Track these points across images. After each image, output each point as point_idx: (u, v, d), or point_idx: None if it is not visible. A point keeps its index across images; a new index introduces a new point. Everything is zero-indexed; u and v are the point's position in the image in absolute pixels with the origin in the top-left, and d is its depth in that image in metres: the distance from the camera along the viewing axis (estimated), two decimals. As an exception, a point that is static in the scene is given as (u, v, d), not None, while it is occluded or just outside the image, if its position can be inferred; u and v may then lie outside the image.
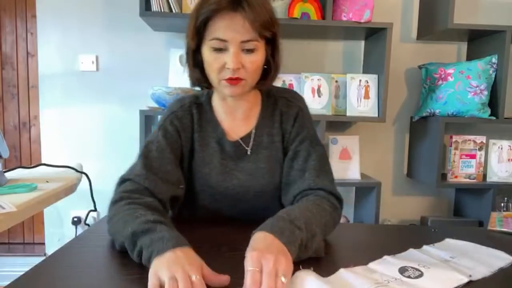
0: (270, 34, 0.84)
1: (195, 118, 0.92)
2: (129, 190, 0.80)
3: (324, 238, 0.73)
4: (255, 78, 0.85)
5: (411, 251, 0.73)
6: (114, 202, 0.78)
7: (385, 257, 0.70)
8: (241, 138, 0.92)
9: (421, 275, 0.63)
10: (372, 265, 0.67)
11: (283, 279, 0.54)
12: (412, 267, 0.65)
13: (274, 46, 0.87)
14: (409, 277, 0.62)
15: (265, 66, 0.87)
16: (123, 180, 0.85)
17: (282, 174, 0.92)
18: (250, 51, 0.81)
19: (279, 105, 0.94)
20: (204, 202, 0.94)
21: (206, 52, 0.82)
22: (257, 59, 0.82)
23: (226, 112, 0.93)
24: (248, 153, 0.92)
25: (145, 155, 0.88)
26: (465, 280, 0.61)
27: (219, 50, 0.80)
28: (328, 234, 0.77)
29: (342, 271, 0.63)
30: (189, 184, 0.93)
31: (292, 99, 0.95)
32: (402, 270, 0.65)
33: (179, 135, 0.90)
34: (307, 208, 0.74)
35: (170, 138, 0.89)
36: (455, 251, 0.74)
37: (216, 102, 0.94)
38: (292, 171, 0.89)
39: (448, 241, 0.80)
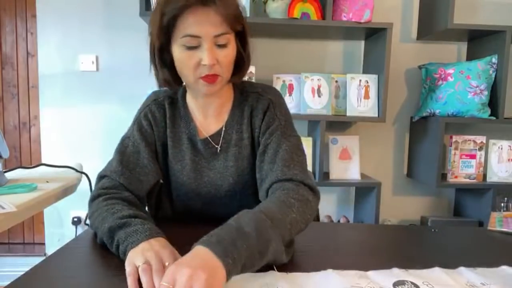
0: (241, 26, 0.81)
1: (168, 113, 0.91)
2: (106, 186, 0.82)
3: (289, 239, 0.68)
4: (229, 72, 0.83)
5: (436, 269, 0.67)
6: (93, 199, 0.81)
7: (394, 269, 0.65)
8: (211, 136, 0.90)
9: None
10: (371, 272, 0.64)
11: None
12: (412, 283, 0.61)
13: (243, 38, 0.84)
14: None
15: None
16: (101, 177, 0.86)
17: (252, 172, 0.89)
18: (223, 46, 0.78)
19: (249, 101, 0.90)
20: (179, 197, 0.93)
21: (177, 51, 0.78)
22: (229, 53, 0.80)
23: (198, 109, 0.90)
24: (218, 151, 0.90)
25: (121, 151, 0.89)
26: None
27: (192, 47, 0.76)
28: (297, 232, 0.70)
29: (329, 271, 0.62)
30: (166, 178, 0.93)
31: (263, 93, 0.91)
32: (398, 283, 0.61)
33: (152, 130, 0.90)
34: (266, 208, 0.68)
35: (145, 132, 0.89)
36: (494, 278, 0.64)
37: (190, 97, 0.92)
38: (264, 165, 0.84)
39: (504, 268, 0.69)
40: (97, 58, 2.00)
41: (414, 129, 2.10)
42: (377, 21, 1.82)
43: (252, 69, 1.82)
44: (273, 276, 0.61)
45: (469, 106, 1.82)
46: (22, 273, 0.61)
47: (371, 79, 1.89)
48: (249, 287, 0.58)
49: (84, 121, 2.03)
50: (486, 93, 1.82)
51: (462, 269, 0.67)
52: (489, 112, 1.84)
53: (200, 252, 0.55)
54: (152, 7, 1.73)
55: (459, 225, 1.99)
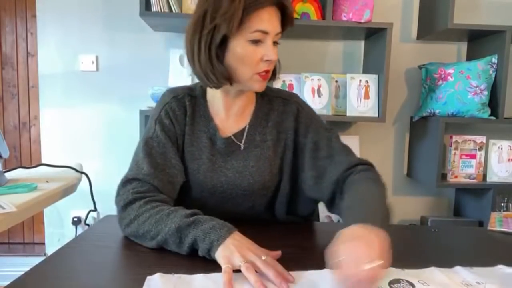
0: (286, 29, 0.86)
1: (188, 111, 0.90)
2: (141, 191, 0.80)
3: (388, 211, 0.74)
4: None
5: (432, 268, 0.67)
6: (128, 203, 0.78)
7: (390, 268, 0.64)
8: (234, 135, 0.91)
9: None
10: None
11: (367, 266, 0.53)
12: (407, 281, 0.61)
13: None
14: None
15: None
16: (129, 180, 0.83)
17: (271, 173, 0.91)
18: (276, 43, 0.83)
19: (275, 106, 0.93)
20: (192, 196, 0.93)
21: (241, 45, 0.79)
22: (277, 51, 0.85)
23: (224, 107, 0.91)
24: (241, 148, 0.91)
25: (148, 152, 0.85)
26: None
27: (256, 42, 0.80)
28: (388, 201, 0.77)
29: (325, 270, 0.62)
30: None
31: (288, 97, 0.95)
32: (393, 282, 0.61)
33: (174, 128, 0.89)
34: (364, 189, 0.76)
35: (168, 131, 0.88)
36: (490, 278, 0.64)
37: (212, 96, 0.91)
38: (318, 161, 0.88)
39: (500, 267, 0.69)
40: (97, 58, 2.00)
41: (414, 129, 2.10)
42: (377, 21, 1.82)
43: (252, 69, 1.82)
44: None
45: (469, 106, 1.82)
46: (22, 273, 0.61)
47: (371, 79, 1.89)
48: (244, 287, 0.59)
49: (84, 121, 2.03)
50: (486, 93, 1.82)
51: (458, 268, 0.67)
52: (489, 112, 1.84)
53: (357, 229, 0.61)
54: (152, 7, 1.73)
55: (459, 225, 1.99)
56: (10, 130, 2.26)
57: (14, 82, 2.23)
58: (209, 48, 0.80)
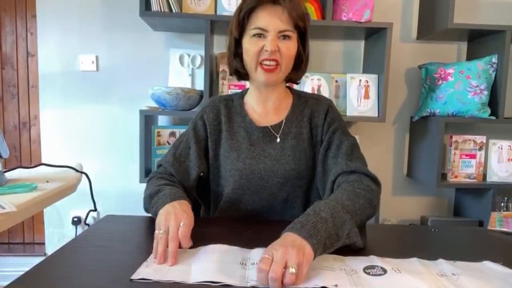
0: (303, 25, 0.94)
1: (222, 112, 1.04)
2: (159, 172, 0.99)
3: (361, 224, 0.75)
4: (289, 66, 0.96)
5: (414, 259, 0.68)
6: (147, 181, 0.97)
7: (372, 256, 0.69)
8: (271, 126, 1.01)
9: (382, 274, 0.61)
10: (348, 257, 0.68)
11: (292, 269, 0.57)
12: (381, 267, 0.63)
13: (304, 39, 0.98)
14: (368, 273, 0.61)
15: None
16: (158, 165, 1.03)
17: (307, 164, 0.99)
18: (286, 37, 0.92)
19: (309, 104, 1.04)
20: (228, 189, 1.00)
21: (247, 41, 0.94)
22: (291, 45, 0.93)
23: (259, 101, 1.03)
24: (278, 140, 1.00)
25: (176, 145, 1.03)
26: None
27: (258, 36, 0.92)
28: (367, 218, 0.78)
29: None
30: (215, 172, 1.03)
31: (322, 98, 1.06)
32: (368, 268, 0.63)
33: (205, 128, 1.03)
34: (336, 198, 0.76)
35: (198, 132, 1.03)
36: (468, 270, 0.65)
37: (249, 95, 1.05)
38: (327, 159, 0.97)
39: (485, 263, 0.69)
40: (97, 58, 2.00)
41: (414, 129, 2.10)
42: (377, 21, 1.82)
43: (252, 69, 1.82)
44: (256, 252, 0.68)
45: (469, 106, 1.82)
46: (22, 273, 0.61)
47: (371, 79, 1.89)
48: (231, 260, 0.65)
49: (84, 121, 2.03)
50: (486, 93, 1.82)
51: (440, 260, 0.69)
52: (489, 112, 1.84)
53: (288, 236, 0.64)
54: (152, 7, 1.73)
55: (459, 225, 1.99)
56: (10, 130, 2.26)
57: (14, 82, 2.23)
58: (229, 48, 0.99)
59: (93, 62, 2.00)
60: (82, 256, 0.69)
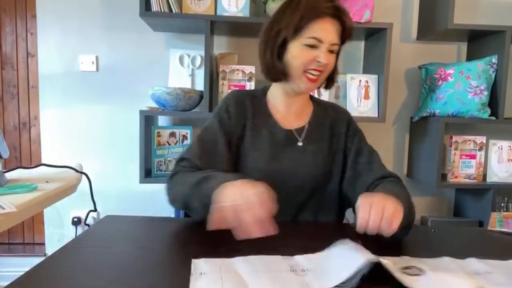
0: (348, 40, 0.98)
1: (248, 108, 1.02)
2: (185, 166, 0.93)
3: (410, 213, 0.82)
4: (326, 76, 0.99)
5: (445, 258, 0.70)
6: (172, 176, 0.92)
7: (403, 256, 0.70)
8: (295, 129, 1.03)
9: (421, 274, 0.62)
10: (383, 257, 0.66)
11: (387, 214, 0.65)
12: (416, 267, 0.64)
13: (338, 51, 1.00)
14: (407, 274, 0.62)
15: None
16: (181, 159, 0.96)
17: (325, 169, 1.02)
18: (332, 52, 0.94)
19: (329, 112, 1.08)
20: None
21: (297, 48, 0.93)
22: (334, 60, 0.97)
23: (284, 105, 1.04)
24: (300, 144, 1.01)
25: (202, 138, 0.99)
26: None
27: (311, 46, 0.92)
28: (413, 208, 0.85)
29: (346, 247, 0.66)
30: (236, 170, 1.00)
31: (340, 108, 1.11)
32: (405, 268, 0.64)
33: (230, 121, 1.00)
34: (396, 187, 0.90)
35: (224, 124, 0.99)
36: (499, 268, 0.67)
37: (273, 95, 1.05)
38: (358, 165, 1.01)
39: None
40: (97, 58, 2.00)
41: (414, 129, 2.10)
42: (377, 21, 1.82)
43: (252, 69, 1.82)
44: (299, 259, 0.68)
45: (469, 106, 1.82)
46: (22, 273, 0.61)
47: (371, 79, 1.89)
48: (279, 268, 0.64)
49: (84, 121, 2.03)
50: (486, 93, 1.82)
51: (470, 259, 0.71)
52: (489, 112, 1.84)
53: (378, 194, 0.73)
54: (152, 7, 1.73)
55: (459, 225, 1.99)
56: (10, 130, 2.26)
57: (14, 82, 2.23)
58: (272, 47, 0.96)
59: (93, 62, 2.00)
60: (82, 256, 0.69)
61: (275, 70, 0.97)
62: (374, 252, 0.69)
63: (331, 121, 1.06)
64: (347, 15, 0.93)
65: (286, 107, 1.04)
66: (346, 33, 0.95)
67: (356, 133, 1.06)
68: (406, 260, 0.68)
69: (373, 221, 0.66)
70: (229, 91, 1.83)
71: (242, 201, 0.69)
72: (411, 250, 0.72)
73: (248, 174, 0.97)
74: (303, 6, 0.91)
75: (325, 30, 0.91)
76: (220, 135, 0.98)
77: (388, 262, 0.60)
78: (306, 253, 0.68)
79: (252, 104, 1.03)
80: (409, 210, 0.78)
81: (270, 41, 0.96)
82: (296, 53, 0.93)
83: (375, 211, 0.67)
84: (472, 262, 0.69)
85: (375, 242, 0.74)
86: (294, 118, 1.04)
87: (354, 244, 0.67)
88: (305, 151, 1.01)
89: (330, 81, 1.04)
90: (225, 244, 0.75)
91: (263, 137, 1.00)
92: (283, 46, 0.95)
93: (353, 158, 1.02)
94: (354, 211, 0.93)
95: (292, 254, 0.70)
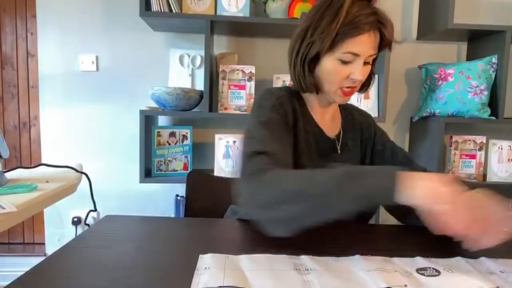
0: (387, 48, 0.91)
1: (297, 107, 0.92)
2: (272, 163, 0.72)
3: None
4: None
5: (458, 258, 0.70)
6: (259, 171, 0.69)
7: (417, 257, 0.69)
8: (335, 136, 0.99)
9: (437, 275, 0.62)
10: (395, 259, 0.67)
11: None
12: (433, 268, 0.64)
13: (377, 58, 0.94)
14: (422, 274, 0.62)
15: None
16: (256, 153, 0.74)
17: None
18: (367, 63, 0.88)
19: (356, 116, 1.05)
20: None
21: (331, 62, 0.85)
22: (369, 70, 0.91)
23: (319, 110, 0.98)
24: (338, 152, 0.98)
25: (271, 129, 0.80)
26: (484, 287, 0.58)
27: (346, 62, 0.84)
28: None
29: (356, 256, 0.65)
30: None
31: (363, 111, 1.09)
32: (421, 269, 0.64)
33: (288, 119, 0.87)
34: None
35: (285, 117, 0.86)
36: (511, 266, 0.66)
37: (310, 100, 0.97)
38: (396, 164, 0.99)
39: None
40: (97, 58, 2.01)
41: (414, 129, 2.10)
42: (377, 21, 1.82)
43: (252, 69, 1.82)
44: (305, 259, 0.67)
45: (469, 106, 1.82)
46: (22, 273, 0.61)
47: (371, 79, 1.88)
48: (282, 267, 0.63)
49: (84, 121, 2.03)
50: (486, 93, 1.82)
51: (483, 259, 0.70)
52: (489, 112, 1.84)
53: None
54: (152, 7, 1.73)
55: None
56: (10, 130, 2.26)
57: (14, 82, 2.23)
58: (304, 59, 0.87)
59: (93, 62, 2.00)
60: (82, 256, 0.69)
61: (307, 84, 0.89)
62: (385, 254, 0.69)
63: (360, 125, 1.04)
64: (389, 26, 0.85)
65: (322, 114, 0.98)
66: (384, 44, 0.88)
67: (383, 135, 1.06)
68: (418, 260, 0.67)
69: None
70: (230, 92, 1.84)
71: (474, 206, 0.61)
72: (422, 251, 0.72)
73: None
74: (343, 18, 0.80)
75: (363, 44, 0.83)
76: (287, 129, 0.85)
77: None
78: (314, 254, 0.67)
79: (299, 104, 0.94)
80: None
81: (302, 52, 0.87)
82: (330, 68, 0.85)
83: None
84: (485, 262, 0.69)
85: (387, 243, 0.74)
86: (330, 124, 1.00)
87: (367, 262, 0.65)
88: (343, 160, 0.99)
89: (364, 87, 0.98)
90: (227, 243, 0.75)
91: (310, 144, 0.94)
92: (315, 57, 0.87)
93: (389, 159, 1.01)
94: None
95: (299, 254, 0.70)
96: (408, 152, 1.04)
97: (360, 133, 1.04)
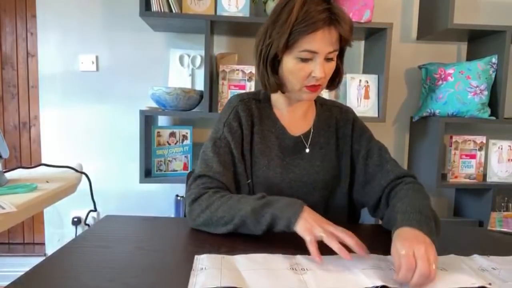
0: (349, 44, 0.91)
1: (254, 112, 0.97)
2: (210, 186, 0.86)
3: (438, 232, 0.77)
4: (327, 82, 0.93)
5: (451, 256, 0.72)
6: (198, 197, 0.84)
7: None
8: (302, 135, 0.98)
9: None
10: (390, 257, 0.68)
11: (434, 266, 0.58)
12: None
13: (343, 53, 0.95)
14: None
15: None
16: (199, 176, 0.88)
17: (332, 174, 0.98)
18: (330, 59, 0.87)
19: (334, 113, 1.03)
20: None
21: (290, 62, 0.86)
22: (333, 66, 0.89)
23: (287, 110, 0.98)
24: (307, 150, 0.98)
25: (217, 152, 0.91)
26: (477, 284, 0.59)
27: (305, 60, 0.85)
28: (439, 223, 0.79)
29: (352, 255, 0.66)
30: (247, 178, 0.96)
31: (344, 107, 1.06)
32: None
33: (241, 129, 0.94)
34: (417, 197, 0.80)
35: (235, 133, 0.93)
36: (505, 264, 0.69)
37: (276, 100, 0.99)
38: (368, 168, 0.96)
39: None
40: (97, 58, 2.00)
41: (414, 129, 2.10)
42: (377, 21, 1.82)
43: (252, 69, 1.82)
44: (301, 258, 0.68)
45: (469, 106, 1.82)
46: (22, 273, 0.61)
47: (371, 79, 1.89)
48: (279, 266, 0.64)
49: (84, 121, 2.03)
50: (486, 93, 1.82)
51: (475, 256, 0.72)
52: (489, 112, 1.84)
53: (415, 232, 0.66)
54: (152, 7, 1.73)
55: (459, 225, 1.99)
56: (10, 130, 2.26)
57: (14, 82, 2.23)
58: (266, 59, 0.88)
59: (93, 62, 2.00)
60: (82, 256, 0.69)
61: (272, 84, 0.91)
62: (382, 252, 0.71)
63: (336, 122, 1.02)
64: (344, 22, 0.84)
65: (290, 112, 0.99)
66: (343, 41, 0.88)
67: (363, 133, 1.01)
68: None
69: (420, 276, 0.58)
70: (230, 92, 1.84)
71: (319, 233, 0.68)
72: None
73: (257, 182, 0.94)
74: (295, 17, 0.81)
75: (319, 41, 0.82)
76: (235, 146, 0.92)
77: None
78: (309, 253, 0.68)
79: (258, 108, 0.98)
80: (437, 231, 0.73)
81: (263, 54, 0.89)
82: (291, 67, 0.86)
83: (424, 264, 0.58)
84: (478, 259, 0.71)
85: (383, 242, 0.74)
86: (299, 123, 1.00)
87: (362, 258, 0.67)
88: (313, 158, 0.98)
89: (332, 85, 0.96)
90: (226, 243, 0.76)
91: (272, 144, 0.96)
92: (276, 58, 0.88)
93: (363, 161, 0.98)
94: (377, 217, 0.95)
95: (294, 253, 0.70)
96: (386, 154, 0.97)
97: (336, 130, 1.01)
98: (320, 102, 1.05)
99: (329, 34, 0.83)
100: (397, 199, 0.83)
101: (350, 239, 0.67)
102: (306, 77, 0.86)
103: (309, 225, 0.70)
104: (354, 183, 1.00)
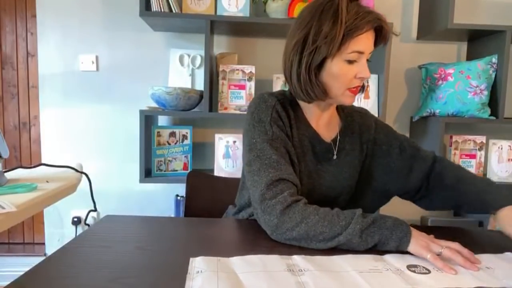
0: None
1: (291, 114, 0.93)
2: (294, 193, 0.81)
3: None
4: None
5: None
6: (288, 206, 0.78)
7: (407, 255, 0.71)
8: (332, 140, 0.98)
9: (427, 273, 0.64)
10: (386, 256, 0.70)
11: None
12: (423, 266, 0.66)
13: None
14: (413, 271, 0.64)
15: None
16: (276, 181, 0.81)
17: (355, 179, 1.01)
18: (367, 60, 0.89)
19: (356, 118, 1.04)
20: None
21: (338, 64, 0.85)
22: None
23: (316, 114, 0.97)
24: (334, 157, 0.98)
25: (279, 153, 0.86)
26: (472, 285, 0.60)
27: (351, 62, 0.85)
28: None
29: (348, 255, 0.67)
30: None
31: (364, 111, 1.07)
32: (411, 266, 0.66)
33: (285, 128, 0.91)
34: (473, 175, 0.95)
35: (283, 131, 0.90)
36: (497, 262, 0.70)
37: (305, 104, 0.96)
38: (406, 161, 1.00)
39: (508, 254, 0.76)
40: (97, 58, 2.01)
41: (414, 129, 2.10)
42: (377, 21, 1.82)
43: (252, 69, 1.82)
44: (298, 259, 0.68)
45: (469, 106, 1.82)
46: (22, 273, 0.61)
47: (371, 79, 1.89)
48: (276, 268, 0.64)
49: (84, 121, 2.03)
50: (486, 93, 1.82)
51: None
52: (489, 112, 1.84)
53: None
54: (152, 7, 1.73)
55: (459, 225, 1.99)
56: (10, 130, 2.26)
57: (14, 82, 2.23)
58: (309, 67, 0.86)
59: (93, 62, 2.00)
60: (82, 256, 0.69)
61: (316, 92, 0.88)
62: (378, 251, 0.71)
63: (359, 128, 1.02)
64: (385, 22, 0.86)
65: (318, 117, 0.97)
66: (382, 39, 0.89)
67: (387, 132, 1.03)
68: (410, 258, 0.69)
69: None
70: (230, 92, 1.83)
71: (437, 249, 0.71)
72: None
73: None
74: (345, 20, 0.81)
75: (366, 41, 0.85)
76: (289, 145, 0.89)
77: None
78: (306, 253, 0.68)
79: (292, 110, 0.95)
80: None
81: (306, 60, 0.85)
82: (337, 71, 0.85)
83: None
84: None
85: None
86: (326, 129, 0.99)
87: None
88: (340, 164, 0.98)
89: (363, 86, 0.96)
90: (225, 243, 0.76)
91: (306, 149, 0.94)
92: (322, 64, 0.86)
93: (398, 156, 1.00)
94: (420, 202, 1.04)
95: (290, 253, 0.70)
96: (412, 142, 1.03)
97: (360, 136, 1.02)
98: (342, 109, 1.05)
99: (371, 34, 0.86)
100: (454, 179, 0.94)
101: (466, 253, 0.70)
102: (352, 79, 0.87)
103: (424, 243, 0.71)
104: (393, 179, 1.01)
